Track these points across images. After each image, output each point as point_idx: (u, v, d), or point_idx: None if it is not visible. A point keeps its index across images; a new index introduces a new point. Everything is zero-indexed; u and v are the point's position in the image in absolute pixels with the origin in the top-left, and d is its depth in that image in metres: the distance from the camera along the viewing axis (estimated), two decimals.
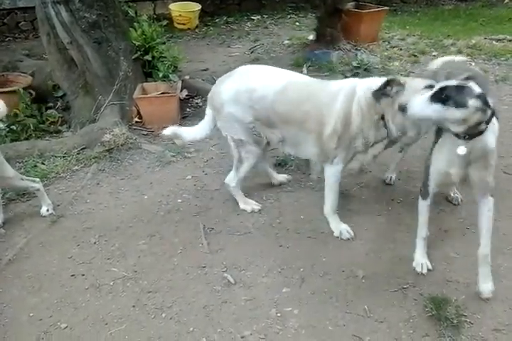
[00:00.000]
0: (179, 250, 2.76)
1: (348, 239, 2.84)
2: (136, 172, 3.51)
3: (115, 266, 2.64)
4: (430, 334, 2.24)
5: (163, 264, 2.65)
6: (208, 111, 3.00)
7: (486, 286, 2.44)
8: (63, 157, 3.62)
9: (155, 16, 6.21)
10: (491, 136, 2.26)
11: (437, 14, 8.52)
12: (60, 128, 4.10)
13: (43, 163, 3.55)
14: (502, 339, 2.21)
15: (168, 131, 2.99)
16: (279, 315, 2.34)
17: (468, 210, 3.09)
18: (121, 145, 3.71)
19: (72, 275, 2.58)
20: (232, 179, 3.06)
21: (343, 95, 2.63)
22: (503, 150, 3.81)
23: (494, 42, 6.59)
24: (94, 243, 2.81)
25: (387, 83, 2.47)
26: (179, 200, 3.20)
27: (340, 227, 2.88)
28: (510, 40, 6.63)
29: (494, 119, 2.26)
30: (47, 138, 3.97)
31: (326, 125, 2.65)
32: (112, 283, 2.52)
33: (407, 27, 7.41)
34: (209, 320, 2.31)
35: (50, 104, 4.34)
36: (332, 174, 2.82)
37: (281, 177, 3.34)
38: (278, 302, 2.41)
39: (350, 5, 5.87)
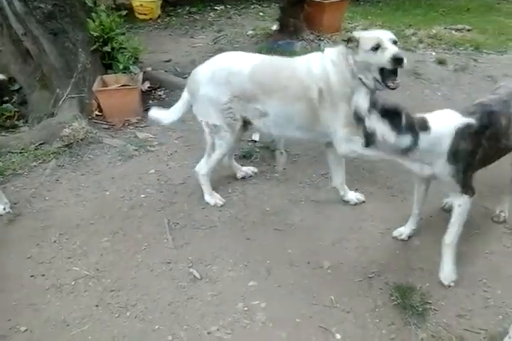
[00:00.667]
0: (143, 246, 2.70)
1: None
2: (97, 168, 3.41)
3: (77, 265, 2.56)
4: (396, 323, 2.26)
5: (127, 261, 2.60)
6: (184, 94, 3.03)
7: (449, 274, 2.49)
8: (20, 153, 3.49)
9: (114, 6, 6.09)
10: None
11: (398, 4, 8.57)
12: (16, 123, 3.96)
13: None
14: (465, 325, 2.26)
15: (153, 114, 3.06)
16: (245, 309, 2.32)
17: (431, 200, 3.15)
18: (81, 140, 3.60)
19: (32, 276, 2.49)
20: (202, 166, 3.02)
21: (315, 60, 2.73)
22: None
23: (454, 31, 6.69)
24: (55, 241, 2.72)
25: (348, 40, 2.62)
26: (142, 195, 3.13)
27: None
28: (468, 30, 6.76)
29: None
30: (3, 133, 3.82)
31: (310, 89, 2.68)
32: (73, 283, 2.45)
33: (369, 17, 7.44)
34: (175, 317, 2.27)
35: (6, 98, 4.15)
36: (351, 151, 2.74)
37: (247, 169, 3.31)
38: (245, 296, 2.39)
39: None
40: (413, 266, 2.61)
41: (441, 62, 5.49)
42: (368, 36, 2.59)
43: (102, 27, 4.03)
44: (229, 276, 2.51)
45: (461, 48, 6.01)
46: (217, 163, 3.03)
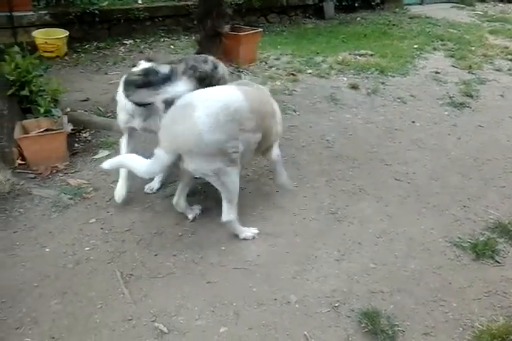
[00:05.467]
0: (98, 305, 2.51)
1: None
2: (30, 222, 3.13)
3: (28, 336, 2.31)
4: None
5: (84, 324, 2.39)
6: (160, 155, 2.68)
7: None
8: None
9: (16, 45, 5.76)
10: None
11: (302, 33, 9.04)
12: None
13: None
14: None
15: (107, 165, 2.77)
16: None
17: (372, 221, 3.29)
18: (8, 193, 3.31)
19: None
20: (230, 213, 2.92)
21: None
22: (389, 158, 4.16)
23: (358, 57, 7.18)
24: None
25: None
26: (87, 248, 2.92)
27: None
28: (371, 55, 7.29)
29: None
30: None
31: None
32: None
33: (279, 46, 7.76)
34: None
35: None
36: None
37: (196, 207, 3.26)
38: None
39: (226, 28, 5.97)
40: (373, 290, 2.69)
41: (353, 86, 5.85)
42: None
43: (18, 70, 3.79)
44: (198, 325, 2.41)
45: (368, 72, 6.45)
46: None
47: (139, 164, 2.71)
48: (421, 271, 2.86)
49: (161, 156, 2.67)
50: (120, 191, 3.28)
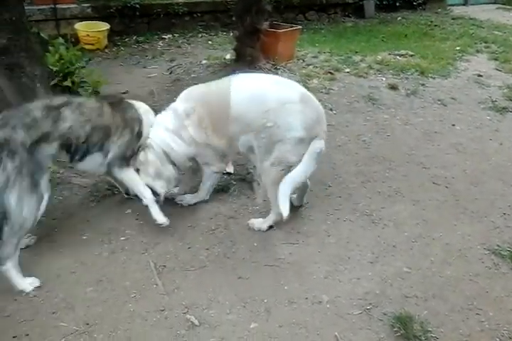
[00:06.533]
0: (132, 294, 2.54)
1: None
2: (69, 210, 3.21)
3: (63, 320, 2.37)
4: None
5: (118, 312, 2.43)
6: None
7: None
8: None
9: (58, 36, 5.90)
10: None
11: (340, 32, 8.97)
12: None
13: None
14: None
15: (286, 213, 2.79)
16: None
17: (408, 225, 3.23)
18: (49, 181, 3.39)
19: (15, 337, 2.26)
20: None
21: None
22: (427, 161, 4.08)
23: (398, 57, 7.07)
24: (34, 296, 2.51)
25: None
26: (122, 238, 2.98)
27: None
28: (411, 55, 7.16)
29: None
30: None
31: None
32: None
33: (317, 44, 7.71)
34: None
35: None
36: None
37: None
38: (248, 340, 2.31)
39: (265, 25, 5.95)
40: (407, 294, 2.64)
41: (392, 87, 5.75)
42: None
43: (61, 61, 3.88)
44: (228, 320, 2.42)
45: (408, 73, 6.33)
46: None
47: (302, 171, 2.80)
48: (457, 277, 2.79)
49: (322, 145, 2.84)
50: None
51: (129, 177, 2.96)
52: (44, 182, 2.52)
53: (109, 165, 2.90)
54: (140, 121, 2.96)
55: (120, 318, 2.40)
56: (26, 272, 2.58)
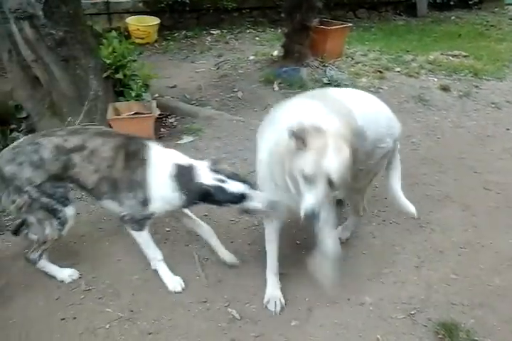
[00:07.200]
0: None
1: None
2: None
3: (109, 306, 2.44)
4: None
5: (161, 301, 2.48)
6: None
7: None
8: None
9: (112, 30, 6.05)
10: None
11: (391, 29, 8.76)
12: None
13: None
14: None
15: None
16: None
17: (457, 230, 3.13)
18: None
19: (63, 319, 2.35)
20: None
21: None
22: (479, 165, 3.93)
23: (451, 57, 6.83)
24: (82, 282, 2.59)
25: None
26: (167, 229, 3.03)
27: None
28: (465, 56, 6.90)
29: None
30: None
31: None
32: (107, 326, 2.32)
33: (366, 42, 7.56)
34: None
35: (13, 126, 4.02)
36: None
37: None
38: (289, 338, 2.30)
39: (315, 22, 5.89)
40: (453, 301, 2.56)
41: (444, 88, 5.58)
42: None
43: (114, 54, 3.97)
44: (269, 316, 2.42)
45: (461, 74, 6.12)
46: None
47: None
48: (506, 287, 2.68)
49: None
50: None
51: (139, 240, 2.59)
52: (68, 210, 2.44)
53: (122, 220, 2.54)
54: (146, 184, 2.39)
55: (163, 307, 2.44)
56: (73, 260, 2.68)
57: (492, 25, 9.30)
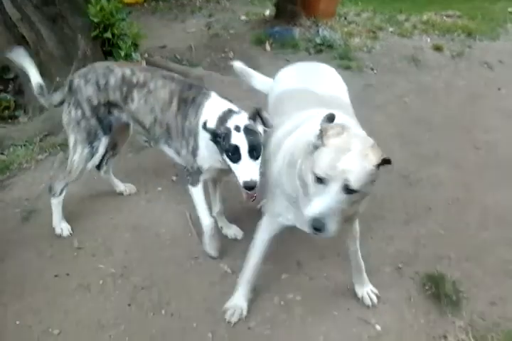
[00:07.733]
0: (167, 241, 2.63)
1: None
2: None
3: (102, 263, 2.47)
4: (432, 312, 2.29)
5: (153, 257, 2.52)
6: None
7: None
8: (24, 145, 3.34)
9: None
10: None
11: None
12: (15, 113, 3.75)
13: (2, 153, 3.25)
14: (499, 312, 2.29)
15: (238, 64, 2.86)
16: (282, 303, 2.30)
17: (446, 187, 3.17)
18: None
19: (56, 276, 2.39)
20: None
21: None
22: (469, 124, 3.93)
23: (445, 18, 6.73)
24: (75, 239, 2.61)
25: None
26: (159, 188, 3.04)
27: None
28: (459, 16, 6.80)
29: None
30: (2, 124, 3.62)
31: None
32: (101, 282, 2.36)
33: (360, 2, 7.39)
34: (211, 313, 2.23)
35: (0, 87, 3.95)
36: None
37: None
38: (279, 290, 2.36)
39: None
40: (440, 255, 2.62)
41: (437, 48, 5.52)
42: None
43: (102, 12, 3.84)
44: (260, 270, 2.46)
45: (454, 34, 6.05)
46: None
47: None
48: (493, 241, 2.74)
49: None
50: None
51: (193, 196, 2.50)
52: (101, 142, 2.50)
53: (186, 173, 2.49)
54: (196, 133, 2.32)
55: (156, 263, 2.49)
56: (65, 219, 2.70)
57: None
